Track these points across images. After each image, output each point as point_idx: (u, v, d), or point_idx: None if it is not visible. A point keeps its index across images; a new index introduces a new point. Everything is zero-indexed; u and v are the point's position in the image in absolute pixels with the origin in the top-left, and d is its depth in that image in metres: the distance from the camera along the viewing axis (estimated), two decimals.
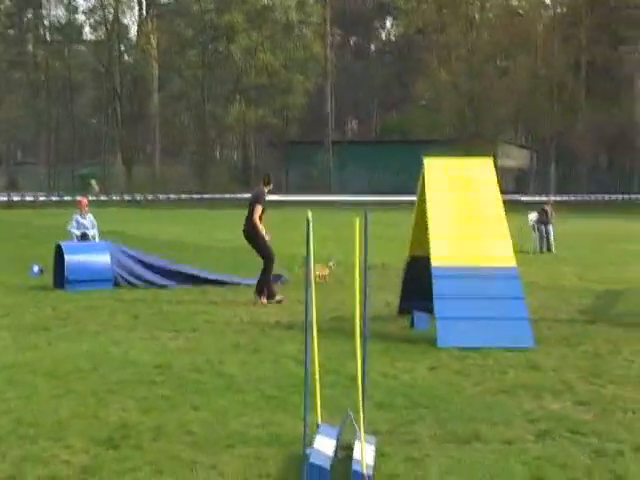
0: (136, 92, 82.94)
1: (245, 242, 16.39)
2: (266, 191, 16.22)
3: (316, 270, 16.39)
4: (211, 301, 16.08)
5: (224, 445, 7.60)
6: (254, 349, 11.62)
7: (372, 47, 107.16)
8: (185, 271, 18.56)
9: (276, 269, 20.81)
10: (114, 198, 42.42)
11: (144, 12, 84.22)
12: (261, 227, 15.91)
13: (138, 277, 18.01)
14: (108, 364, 10.68)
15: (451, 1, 70.49)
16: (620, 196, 47.53)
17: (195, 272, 18.62)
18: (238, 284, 18.22)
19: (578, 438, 7.93)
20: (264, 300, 15.72)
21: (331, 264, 19.14)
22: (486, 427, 8.17)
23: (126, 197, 47.27)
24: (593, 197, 45.60)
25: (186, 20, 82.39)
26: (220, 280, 18.45)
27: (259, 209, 15.86)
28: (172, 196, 43.88)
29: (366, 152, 77.20)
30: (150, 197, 47.31)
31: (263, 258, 16.05)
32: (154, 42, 76.85)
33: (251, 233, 15.99)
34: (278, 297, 15.88)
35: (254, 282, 16.51)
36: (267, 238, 16.08)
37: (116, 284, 17.74)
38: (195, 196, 46.27)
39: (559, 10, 78.06)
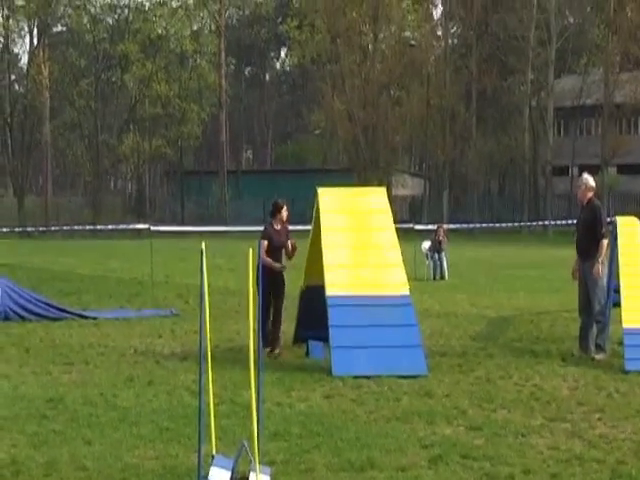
0: (27, 122, 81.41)
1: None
2: (276, 222, 14.07)
3: None
4: (105, 333, 15.83)
5: (118, 479, 7.51)
6: (148, 381, 11.50)
7: (267, 77, 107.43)
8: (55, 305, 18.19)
9: (171, 301, 20.75)
10: (4, 230, 41.53)
11: (35, 41, 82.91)
12: (270, 262, 13.48)
13: (29, 310, 17.62)
14: None
15: (345, 31, 70.98)
16: (510, 224, 48.38)
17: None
18: (95, 318, 17.72)
19: (470, 463, 8.04)
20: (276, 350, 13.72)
21: None
22: (380, 454, 8.23)
23: (17, 229, 46.38)
24: (485, 225, 46.29)
25: (79, 49, 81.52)
26: (79, 314, 18.00)
27: (264, 245, 13.23)
28: (65, 227, 43.24)
29: (261, 181, 77.25)
30: (42, 228, 46.49)
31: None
32: (46, 71, 75.70)
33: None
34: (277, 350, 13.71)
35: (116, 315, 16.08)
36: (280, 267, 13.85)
37: (6, 318, 17.33)
38: (88, 227, 45.65)
39: (450, 41, 79.47)
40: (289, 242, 14.06)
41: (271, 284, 13.07)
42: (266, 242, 13.54)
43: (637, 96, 63.67)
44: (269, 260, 13.49)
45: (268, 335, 13.43)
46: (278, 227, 14.05)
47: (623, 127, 70.26)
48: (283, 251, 14.16)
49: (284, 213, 14.16)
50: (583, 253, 13.66)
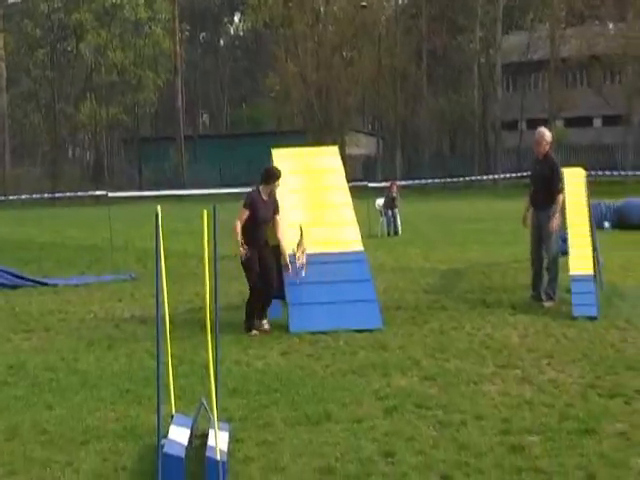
0: None
1: None
2: (264, 190, 11.99)
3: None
4: (65, 300, 15.68)
5: (79, 442, 7.48)
6: (108, 345, 11.42)
7: (221, 42, 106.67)
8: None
9: (130, 265, 20.61)
10: None
11: None
12: (240, 243, 11.72)
13: None
14: None
15: None
16: (462, 179, 48.48)
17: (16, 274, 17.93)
18: (55, 285, 17.57)
19: (424, 412, 8.09)
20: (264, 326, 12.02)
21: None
22: (337, 407, 8.25)
23: None
24: (437, 180, 46.29)
25: (34, 20, 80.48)
26: (39, 281, 17.81)
27: (242, 213, 11.81)
28: (24, 197, 42.73)
29: (218, 145, 76.96)
30: (1, 198, 45.88)
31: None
32: (1, 42, 74.79)
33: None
34: (254, 332, 11.88)
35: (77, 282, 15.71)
36: (243, 253, 11.73)
37: None
38: (47, 195, 45.15)
39: (401, 2, 79.38)
40: (297, 255, 12.20)
41: (260, 260, 11.90)
42: (247, 213, 11.80)
43: (582, 50, 63.90)
44: (239, 238, 11.71)
45: (254, 316, 12.01)
46: (266, 198, 11.98)
47: (569, 81, 70.64)
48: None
49: (277, 184, 12.05)
50: (539, 205, 13.72)
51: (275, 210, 12.02)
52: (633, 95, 63.66)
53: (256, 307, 12.02)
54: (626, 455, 6.86)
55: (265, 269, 11.96)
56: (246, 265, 11.87)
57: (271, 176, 11.97)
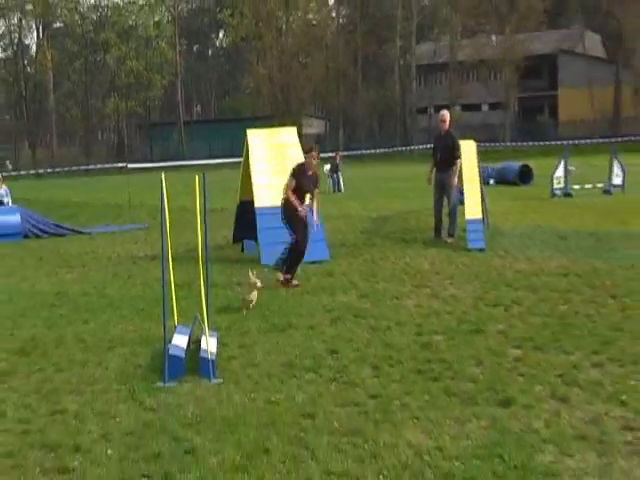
0: (37, 94, 79.59)
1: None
2: (307, 163, 10.20)
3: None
4: (95, 244, 15.50)
5: (107, 347, 7.42)
6: (128, 276, 11.32)
7: (210, 52, 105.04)
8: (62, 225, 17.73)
9: (143, 218, 20.31)
10: (22, 173, 40.32)
11: (41, 34, 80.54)
12: (296, 204, 10.04)
13: (42, 230, 17.19)
14: (19, 295, 10.20)
15: (265, 17, 69.65)
16: (388, 150, 48.19)
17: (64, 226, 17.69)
18: (90, 233, 17.31)
19: (360, 320, 8.09)
20: (280, 276, 10.05)
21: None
22: (296, 318, 8.22)
23: (31, 172, 45.08)
24: (369, 151, 46.05)
25: (72, 39, 79.72)
26: (77, 230, 17.55)
27: (291, 183, 10.11)
28: (65, 169, 42.11)
29: (208, 128, 76.00)
30: (49, 170, 45.18)
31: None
32: (49, 56, 73.75)
33: (283, 208, 10.26)
34: (295, 282, 10.08)
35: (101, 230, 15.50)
36: (301, 211, 10.08)
37: (26, 236, 16.88)
38: (82, 168, 44.59)
39: (341, 20, 78.52)
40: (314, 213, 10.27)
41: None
42: (294, 182, 10.11)
43: (473, 56, 63.72)
44: (294, 201, 10.09)
45: (295, 269, 10.24)
46: (309, 172, 10.18)
47: (464, 78, 70.42)
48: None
49: (313, 155, 10.21)
50: (443, 168, 13.66)
51: (315, 184, 10.27)
52: (510, 88, 63.79)
53: (298, 259, 10.25)
54: (505, 347, 6.91)
55: (306, 228, 10.39)
56: (297, 223, 10.19)
57: (304, 150, 10.37)
